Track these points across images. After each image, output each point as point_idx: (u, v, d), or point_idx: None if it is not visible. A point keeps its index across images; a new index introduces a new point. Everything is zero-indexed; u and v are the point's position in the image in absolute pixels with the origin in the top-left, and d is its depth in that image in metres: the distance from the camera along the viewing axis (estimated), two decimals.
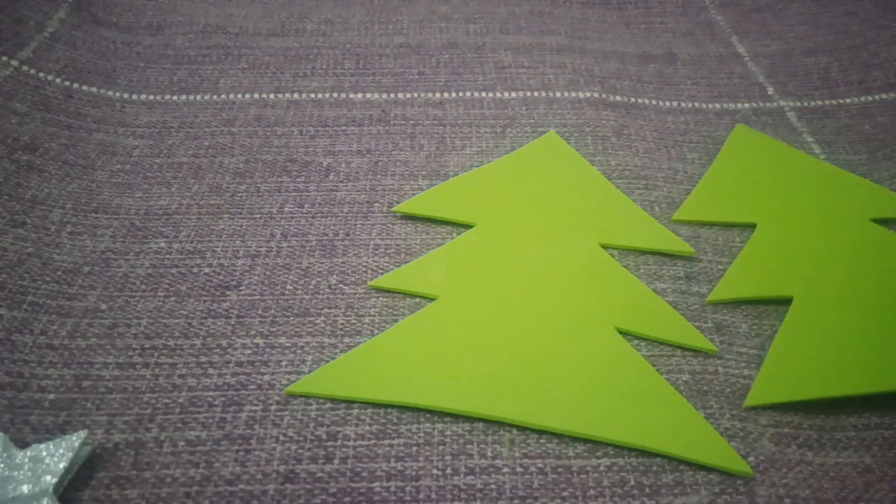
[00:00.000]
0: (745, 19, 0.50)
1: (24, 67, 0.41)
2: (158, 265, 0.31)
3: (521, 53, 0.46)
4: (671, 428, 0.25)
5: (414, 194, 0.35)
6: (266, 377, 0.27)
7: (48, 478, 0.22)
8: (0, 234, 0.31)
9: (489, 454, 0.25)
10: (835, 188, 0.35)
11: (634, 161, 0.38)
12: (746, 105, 0.42)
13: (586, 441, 0.25)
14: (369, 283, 0.31)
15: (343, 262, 0.32)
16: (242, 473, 0.24)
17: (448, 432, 0.25)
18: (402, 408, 0.26)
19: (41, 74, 0.41)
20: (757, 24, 0.50)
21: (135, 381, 0.27)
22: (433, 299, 0.30)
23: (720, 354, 0.28)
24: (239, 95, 0.42)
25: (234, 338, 0.28)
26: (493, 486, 0.24)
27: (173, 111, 0.40)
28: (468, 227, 0.33)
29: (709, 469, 0.24)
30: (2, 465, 0.23)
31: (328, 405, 0.26)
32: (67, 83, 0.41)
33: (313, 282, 0.31)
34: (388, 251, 0.32)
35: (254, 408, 0.26)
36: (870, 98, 0.42)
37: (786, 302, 0.30)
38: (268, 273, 0.31)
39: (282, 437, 0.25)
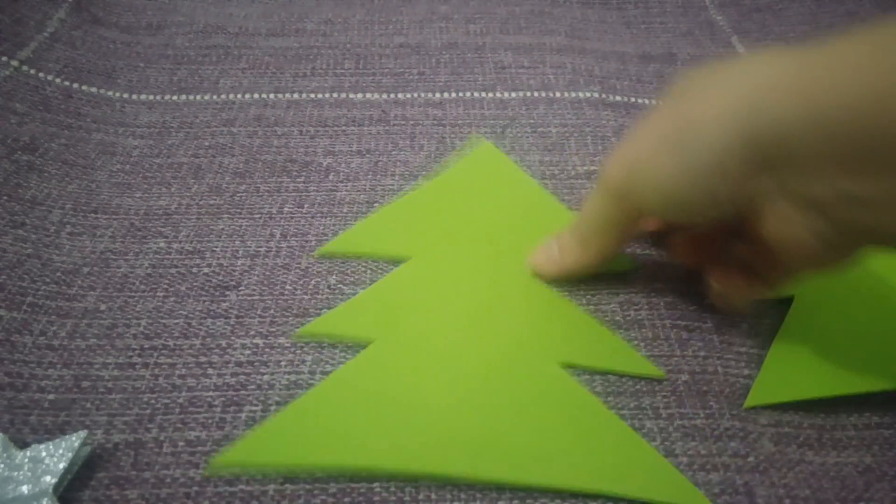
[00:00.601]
0: (745, 19, 0.50)
1: (24, 67, 0.41)
2: (158, 265, 0.31)
3: (521, 53, 0.46)
4: (626, 468, 0.24)
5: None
6: (266, 377, 0.27)
7: (48, 478, 0.22)
8: (0, 235, 0.31)
9: None
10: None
11: None
12: None
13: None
14: (295, 333, 0.28)
15: (343, 263, 0.32)
16: (242, 473, 0.24)
17: None
18: (339, 475, 0.24)
19: (41, 74, 0.41)
20: (757, 24, 0.50)
21: (134, 381, 0.27)
22: (368, 343, 0.28)
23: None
24: (239, 95, 0.42)
25: (233, 338, 0.28)
26: (493, 486, 0.24)
27: (173, 111, 0.40)
28: (403, 261, 0.31)
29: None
30: (2, 466, 0.23)
31: None
32: (67, 83, 0.41)
33: (313, 282, 0.31)
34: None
35: (254, 408, 0.26)
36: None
37: (786, 302, 0.30)
38: (267, 273, 0.31)
39: None
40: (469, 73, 0.44)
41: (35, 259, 0.31)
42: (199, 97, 0.41)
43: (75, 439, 0.23)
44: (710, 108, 0.22)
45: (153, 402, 0.26)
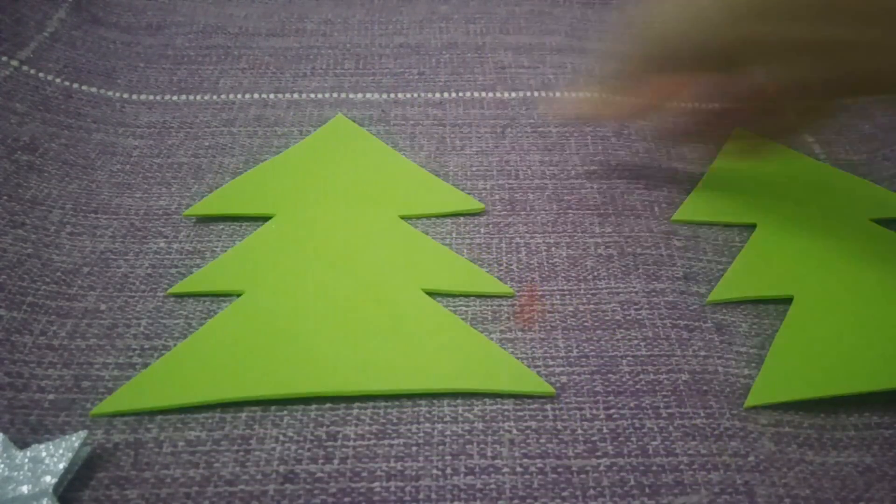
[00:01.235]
0: None
1: (24, 67, 0.41)
2: (158, 265, 0.31)
3: (521, 53, 0.46)
4: (481, 367, 0.27)
5: None
6: None
7: (48, 478, 0.22)
8: (0, 235, 0.31)
9: (489, 454, 0.25)
10: (834, 188, 0.36)
11: (634, 161, 0.38)
12: None
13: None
14: (168, 291, 0.30)
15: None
16: (242, 473, 0.24)
17: (448, 432, 0.25)
18: (227, 405, 0.26)
19: (41, 74, 0.41)
20: None
21: None
22: (239, 295, 0.29)
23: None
24: (239, 95, 0.42)
25: None
26: (493, 486, 0.24)
27: (173, 111, 0.40)
28: (267, 219, 0.33)
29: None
30: (2, 466, 0.23)
31: (328, 405, 0.26)
32: (67, 83, 0.41)
33: None
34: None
35: (254, 408, 0.26)
36: (870, 98, 0.42)
37: (786, 301, 0.30)
38: None
39: (282, 438, 0.25)
40: (469, 73, 0.44)
41: (35, 259, 0.31)
42: (199, 97, 0.41)
43: (75, 439, 0.23)
44: None
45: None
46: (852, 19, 0.24)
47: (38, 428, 0.25)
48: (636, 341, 0.28)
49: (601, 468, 0.24)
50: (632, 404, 0.26)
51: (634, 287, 0.31)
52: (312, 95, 0.42)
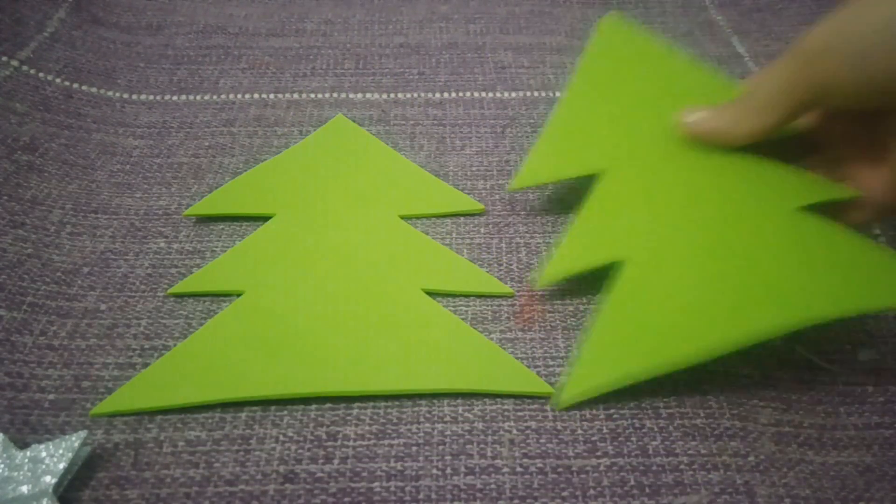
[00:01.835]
0: (745, 19, 0.50)
1: (24, 67, 0.41)
2: (158, 265, 0.31)
3: (521, 53, 0.46)
4: (480, 368, 0.27)
5: None
6: None
7: (48, 478, 0.22)
8: (0, 235, 0.31)
9: (489, 454, 0.25)
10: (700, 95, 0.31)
11: None
12: None
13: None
14: (168, 291, 0.30)
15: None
16: (242, 473, 0.24)
17: (448, 432, 0.25)
18: (227, 405, 0.26)
19: (41, 74, 0.41)
20: (757, 24, 0.50)
21: None
22: (239, 295, 0.29)
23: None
24: (239, 95, 0.42)
25: None
26: (493, 486, 0.24)
27: (173, 111, 0.40)
28: (267, 219, 0.33)
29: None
30: (2, 466, 0.23)
31: (328, 405, 0.26)
32: (67, 83, 0.41)
33: None
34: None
35: (254, 408, 0.26)
36: None
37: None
38: None
39: (282, 437, 0.25)
40: (469, 73, 0.44)
41: (35, 259, 0.31)
42: (199, 97, 0.41)
43: (75, 439, 0.23)
44: None
45: None
46: None
47: (38, 428, 0.25)
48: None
49: (601, 468, 0.24)
50: (632, 404, 0.26)
51: None
52: (312, 95, 0.42)
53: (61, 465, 0.23)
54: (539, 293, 0.30)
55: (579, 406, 0.26)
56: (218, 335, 0.28)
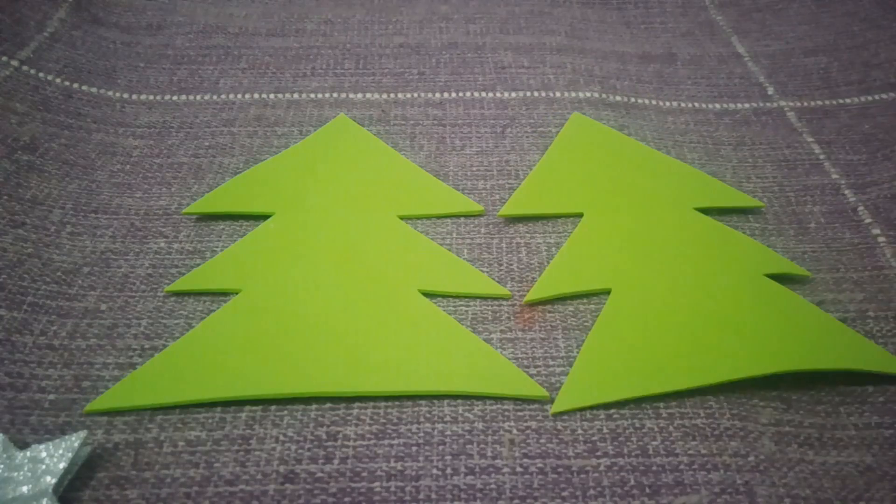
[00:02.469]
0: (745, 19, 0.50)
1: (24, 67, 0.41)
2: (158, 265, 0.31)
3: (521, 53, 0.46)
4: (475, 370, 0.27)
5: None
6: None
7: (48, 478, 0.22)
8: (0, 235, 0.31)
9: (489, 454, 0.25)
10: (663, 177, 0.35)
11: None
12: (746, 105, 0.42)
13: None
14: (166, 288, 0.30)
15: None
16: (242, 473, 0.24)
17: (448, 432, 0.25)
18: (227, 405, 0.26)
19: (41, 74, 0.41)
20: (757, 24, 0.50)
21: None
22: (237, 293, 0.29)
23: None
24: (239, 95, 0.42)
25: None
26: (493, 486, 0.24)
27: (173, 111, 0.40)
28: (266, 217, 0.33)
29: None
30: (1, 466, 0.23)
31: (328, 405, 0.26)
32: (67, 83, 0.41)
33: None
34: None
35: (254, 408, 0.26)
36: (870, 98, 0.42)
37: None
38: None
39: (282, 437, 0.25)
40: (469, 73, 0.44)
41: (35, 259, 0.31)
42: (199, 97, 0.41)
43: (75, 439, 0.23)
44: None
45: None
46: None
47: (38, 428, 0.25)
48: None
49: (601, 468, 0.24)
50: (632, 404, 0.26)
51: None
52: (312, 95, 0.42)
53: (61, 465, 0.23)
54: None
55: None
56: (213, 334, 0.28)
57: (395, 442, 0.25)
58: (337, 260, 0.31)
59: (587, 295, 0.30)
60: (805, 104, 0.42)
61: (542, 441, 0.25)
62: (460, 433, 0.25)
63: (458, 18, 0.50)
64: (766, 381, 0.27)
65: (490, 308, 0.30)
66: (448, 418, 0.26)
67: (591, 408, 0.26)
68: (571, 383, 0.26)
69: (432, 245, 0.32)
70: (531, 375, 0.27)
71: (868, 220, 0.34)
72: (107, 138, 0.38)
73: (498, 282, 0.31)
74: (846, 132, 0.40)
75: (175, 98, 0.41)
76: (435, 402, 0.26)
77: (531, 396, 0.26)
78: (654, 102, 0.42)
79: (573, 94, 0.42)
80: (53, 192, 0.34)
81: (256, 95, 0.42)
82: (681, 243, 0.31)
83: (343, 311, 0.29)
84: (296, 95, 0.42)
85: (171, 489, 0.23)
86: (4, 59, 0.41)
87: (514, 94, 0.42)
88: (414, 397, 0.26)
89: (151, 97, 0.41)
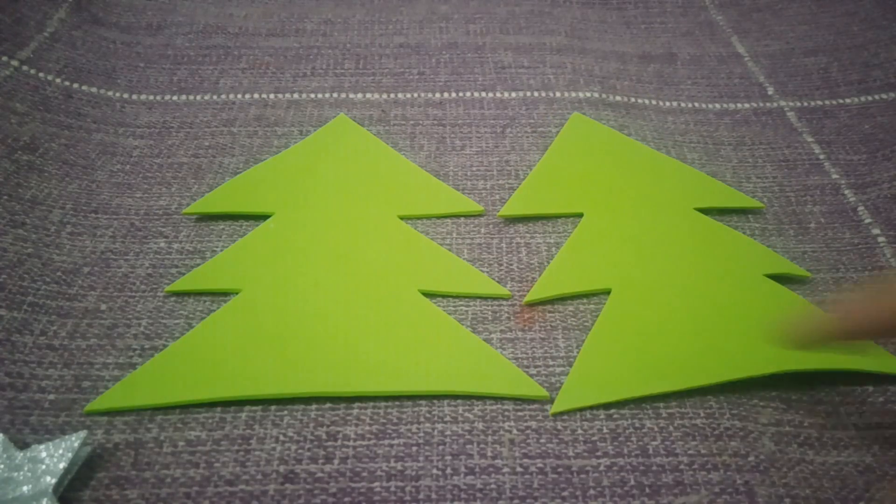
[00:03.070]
0: (745, 19, 0.50)
1: (24, 67, 0.41)
2: (159, 265, 0.31)
3: (521, 53, 0.46)
4: (474, 370, 0.27)
5: None
6: None
7: (48, 478, 0.22)
8: (0, 235, 0.31)
9: (489, 454, 0.25)
10: (663, 177, 0.35)
11: None
12: (746, 105, 0.42)
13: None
14: (166, 288, 0.30)
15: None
16: (242, 473, 0.24)
17: (448, 432, 0.25)
18: (227, 405, 0.26)
19: (41, 74, 0.41)
20: (757, 24, 0.50)
21: None
22: (237, 294, 0.29)
23: None
24: (239, 95, 0.42)
25: None
26: (493, 486, 0.24)
27: (173, 111, 0.40)
28: (266, 217, 0.33)
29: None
30: (2, 466, 0.23)
31: (328, 405, 0.26)
32: (67, 83, 0.41)
33: None
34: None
35: (254, 408, 0.26)
36: (870, 98, 0.42)
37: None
38: None
39: (282, 437, 0.25)
40: (469, 73, 0.44)
41: (35, 259, 0.31)
42: (199, 97, 0.41)
43: (75, 439, 0.23)
44: None
45: None
46: None
47: (38, 428, 0.25)
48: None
49: (601, 468, 0.24)
50: (632, 404, 0.26)
51: None
52: (312, 95, 0.42)
53: (61, 465, 0.23)
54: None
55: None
56: (213, 334, 0.28)
57: (395, 442, 0.25)
58: (337, 260, 0.31)
59: (587, 295, 0.30)
60: (805, 104, 0.42)
61: (542, 441, 0.25)
62: (460, 433, 0.25)
63: (458, 18, 0.50)
64: (766, 381, 0.27)
65: (490, 308, 0.30)
66: (448, 418, 0.26)
67: (591, 408, 0.26)
68: (571, 383, 0.26)
69: (432, 245, 0.32)
70: (531, 375, 0.27)
71: (868, 220, 0.34)
72: (107, 138, 0.38)
73: (498, 282, 0.31)
74: (846, 132, 0.40)
75: (175, 98, 0.41)
76: (435, 402, 0.26)
77: (531, 396, 0.26)
78: (654, 102, 0.42)
79: (573, 94, 0.42)
80: (53, 192, 0.34)
81: (256, 95, 0.42)
82: (681, 243, 0.32)
83: (343, 311, 0.29)
84: (296, 95, 0.42)
85: (171, 489, 0.23)
86: (4, 59, 0.41)
87: (514, 94, 0.42)
88: (414, 397, 0.26)
89: (151, 97, 0.41)
